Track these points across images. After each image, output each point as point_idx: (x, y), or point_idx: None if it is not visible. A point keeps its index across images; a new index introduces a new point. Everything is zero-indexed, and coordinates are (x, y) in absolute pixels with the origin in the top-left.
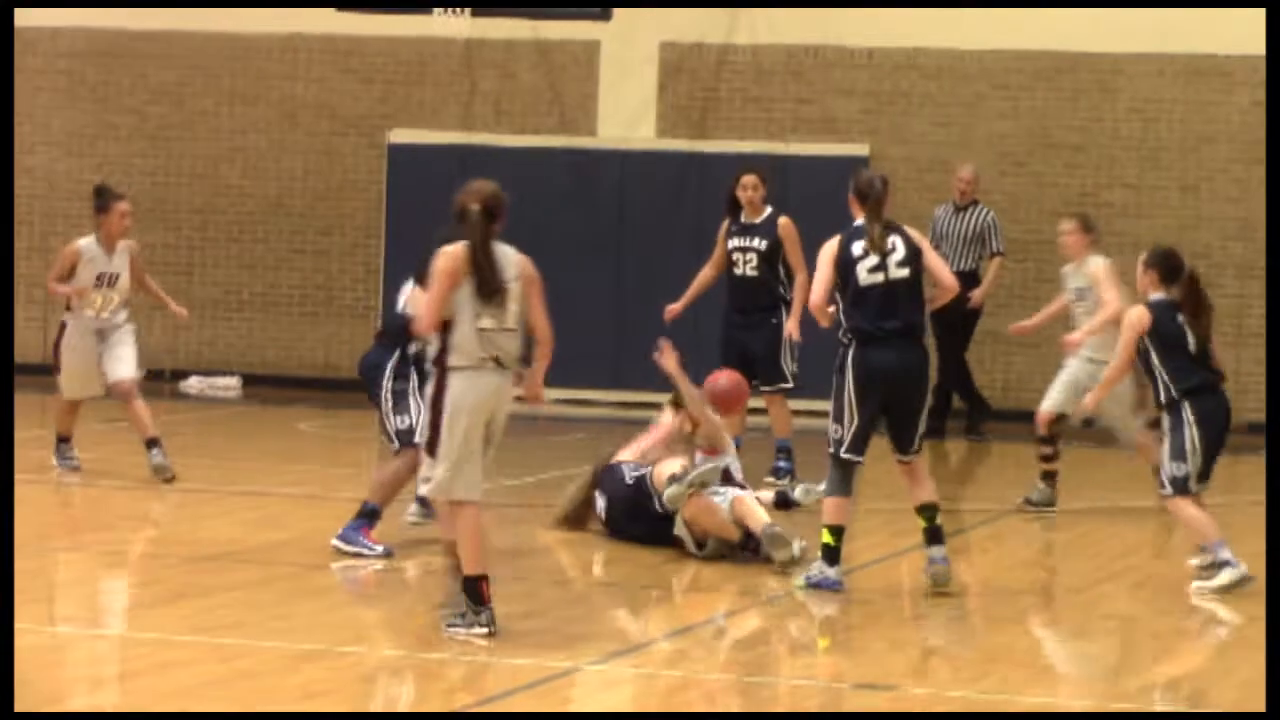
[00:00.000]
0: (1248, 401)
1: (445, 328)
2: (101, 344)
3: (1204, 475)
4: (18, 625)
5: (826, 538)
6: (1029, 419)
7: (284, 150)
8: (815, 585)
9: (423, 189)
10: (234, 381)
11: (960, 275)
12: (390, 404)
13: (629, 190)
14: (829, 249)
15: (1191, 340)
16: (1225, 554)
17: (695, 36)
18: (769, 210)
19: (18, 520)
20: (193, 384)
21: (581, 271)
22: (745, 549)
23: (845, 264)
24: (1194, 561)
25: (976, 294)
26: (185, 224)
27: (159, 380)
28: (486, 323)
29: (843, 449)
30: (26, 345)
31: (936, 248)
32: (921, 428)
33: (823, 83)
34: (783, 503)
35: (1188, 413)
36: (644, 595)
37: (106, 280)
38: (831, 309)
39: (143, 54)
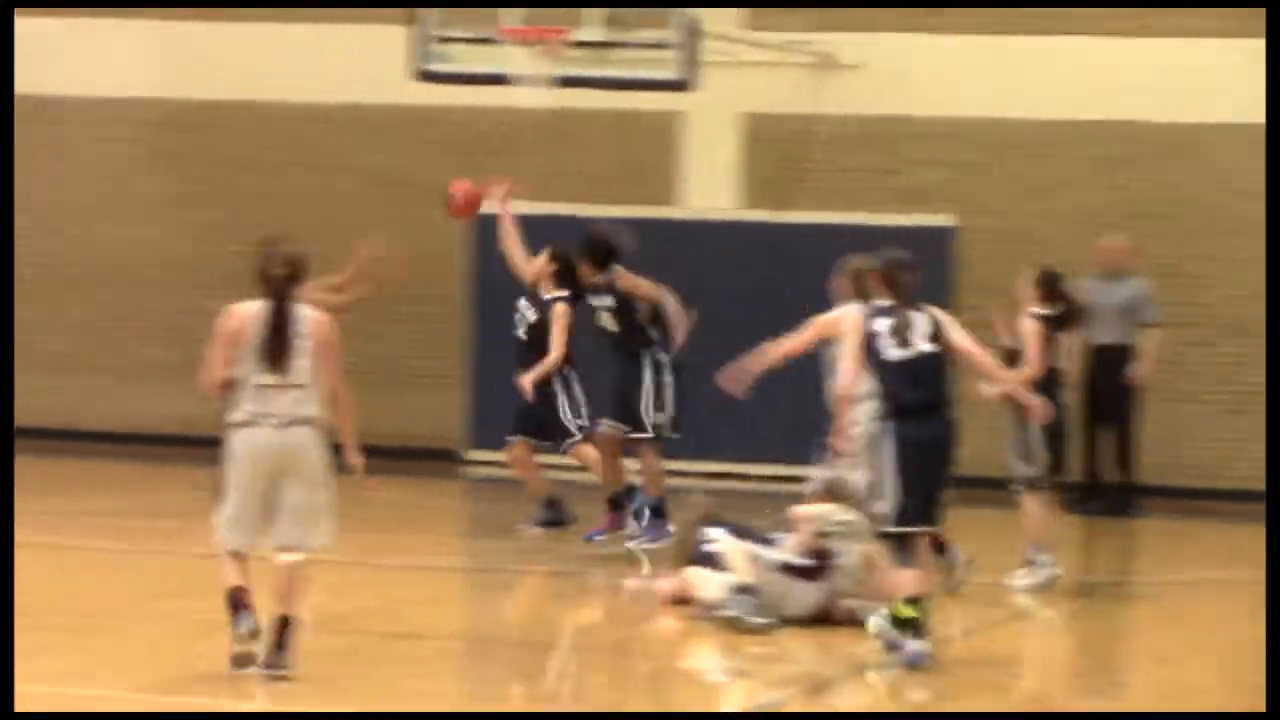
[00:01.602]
0: None
1: (230, 385)
2: None
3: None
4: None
5: (907, 611)
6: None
7: (368, 221)
8: (911, 664)
9: (505, 259)
10: None
11: (1111, 349)
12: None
13: (711, 260)
14: (852, 321)
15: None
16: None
17: (778, 107)
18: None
19: (108, 587)
20: None
21: None
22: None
23: (869, 339)
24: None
25: (1140, 369)
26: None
27: None
28: (265, 379)
29: (893, 524)
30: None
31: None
32: (937, 504)
33: (907, 153)
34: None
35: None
36: (714, 675)
37: None
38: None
39: (221, 124)
